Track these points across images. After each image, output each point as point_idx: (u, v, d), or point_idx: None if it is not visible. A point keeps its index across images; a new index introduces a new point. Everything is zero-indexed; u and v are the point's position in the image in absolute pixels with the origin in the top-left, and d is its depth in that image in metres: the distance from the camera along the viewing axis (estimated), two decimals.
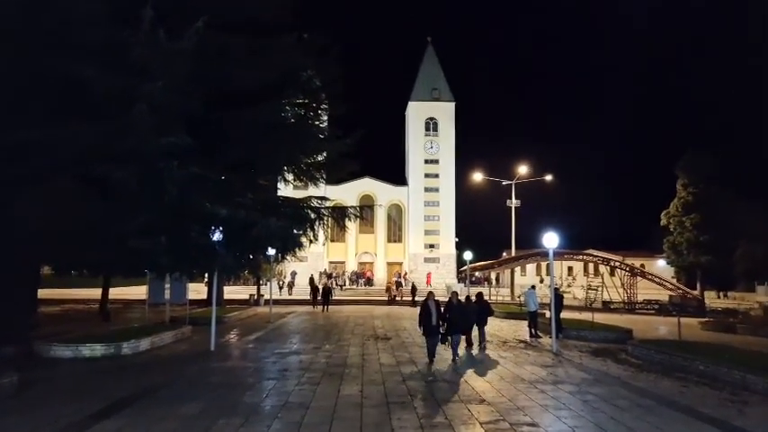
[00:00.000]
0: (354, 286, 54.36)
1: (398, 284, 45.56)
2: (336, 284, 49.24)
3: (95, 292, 29.80)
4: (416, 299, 39.44)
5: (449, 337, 14.96)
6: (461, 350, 15.91)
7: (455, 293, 16.02)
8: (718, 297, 59.54)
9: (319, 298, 33.91)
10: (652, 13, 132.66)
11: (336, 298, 42.26)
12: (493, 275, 65.06)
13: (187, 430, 8.19)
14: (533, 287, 23.17)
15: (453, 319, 15.03)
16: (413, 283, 43.30)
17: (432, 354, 14.54)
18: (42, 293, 23.81)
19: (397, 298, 41.22)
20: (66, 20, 11.89)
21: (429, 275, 55.88)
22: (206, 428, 8.21)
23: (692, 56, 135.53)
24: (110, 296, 26.89)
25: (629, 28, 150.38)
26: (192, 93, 13.76)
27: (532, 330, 20.81)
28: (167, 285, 21.45)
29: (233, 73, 15.83)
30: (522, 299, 29.29)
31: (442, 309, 15.02)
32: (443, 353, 15.15)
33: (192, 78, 13.72)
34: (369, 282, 56.14)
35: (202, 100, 14.36)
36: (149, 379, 11.98)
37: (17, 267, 15.52)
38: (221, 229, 14.73)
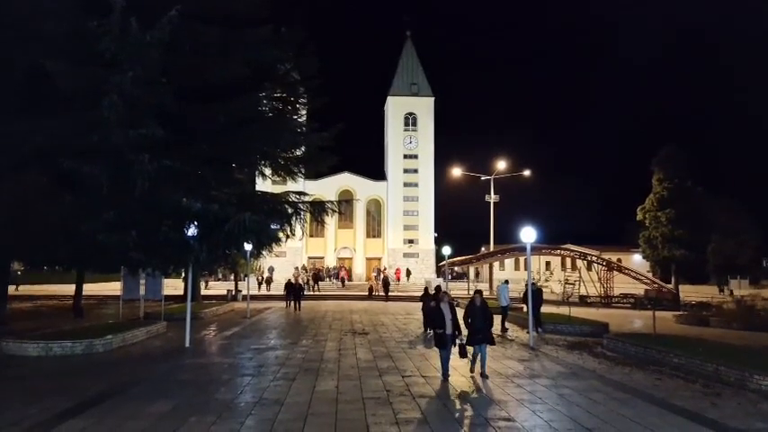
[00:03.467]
0: (335, 281, 53.74)
1: (379, 279, 45.47)
2: (308, 284, 44.10)
3: (69, 288, 29.21)
4: (390, 294, 39.62)
5: (470, 348, 12.06)
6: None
7: (479, 292, 12.73)
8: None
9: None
10: (632, 12, 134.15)
11: (315, 293, 41.99)
12: (472, 270, 65.35)
13: (157, 429, 8.00)
14: (506, 282, 23.28)
15: (477, 326, 12.00)
16: (386, 278, 43.15)
17: (446, 369, 11.77)
18: (14, 289, 23.32)
19: (376, 293, 41.32)
20: (29, 10, 11.52)
21: (398, 271, 55.21)
22: (177, 427, 8.02)
23: (670, 54, 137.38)
24: (84, 292, 26.37)
25: (609, 26, 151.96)
26: (165, 85, 13.46)
27: (504, 324, 20.90)
28: (142, 281, 21.11)
29: (207, 65, 15.51)
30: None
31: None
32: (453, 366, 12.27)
33: (164, 70, 13.42)
34: (343, 281, 53.16)
35: (176, 92, 14.05)
36: (120, 376, 11.73)
37: None
38: (195, 223, 14.44)
